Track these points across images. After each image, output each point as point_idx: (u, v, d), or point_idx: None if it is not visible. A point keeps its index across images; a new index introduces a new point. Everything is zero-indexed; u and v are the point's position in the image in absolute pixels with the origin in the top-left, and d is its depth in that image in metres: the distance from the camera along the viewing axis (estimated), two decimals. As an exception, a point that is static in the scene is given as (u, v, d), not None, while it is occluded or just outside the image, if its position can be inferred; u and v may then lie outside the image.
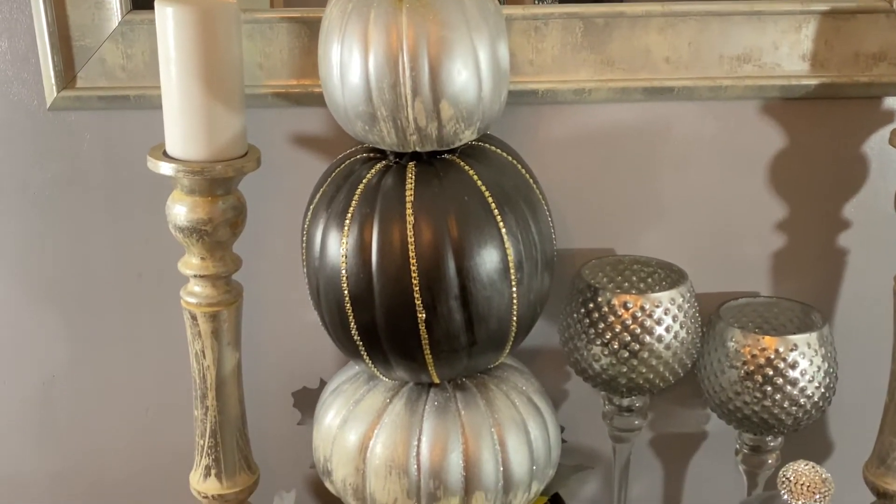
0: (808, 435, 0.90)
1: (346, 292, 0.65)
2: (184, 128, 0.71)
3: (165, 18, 0.68)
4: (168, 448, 0.89)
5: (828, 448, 0.92)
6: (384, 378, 0.72)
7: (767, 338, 0.77)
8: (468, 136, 0.65)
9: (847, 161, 0.82)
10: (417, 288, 0.63)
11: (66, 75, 0.78)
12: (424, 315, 0.64)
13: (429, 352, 0.66)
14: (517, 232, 0.66)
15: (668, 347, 0.76)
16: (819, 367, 0.77)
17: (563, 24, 0.77)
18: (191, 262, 0.76)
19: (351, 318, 0.65)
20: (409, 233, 0.63)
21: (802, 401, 0.77)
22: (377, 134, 0.63)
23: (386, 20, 0.60)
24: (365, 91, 0.61)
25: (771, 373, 0.77)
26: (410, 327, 0.64)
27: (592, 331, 0.77)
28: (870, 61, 0.78)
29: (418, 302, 0.63)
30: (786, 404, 0.77)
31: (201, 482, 0.82)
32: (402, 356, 0.66)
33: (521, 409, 0.72)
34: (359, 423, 0.71)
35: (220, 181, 0.73)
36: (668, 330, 0.76)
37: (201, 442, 0.81)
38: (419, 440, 0.69)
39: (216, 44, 0.69)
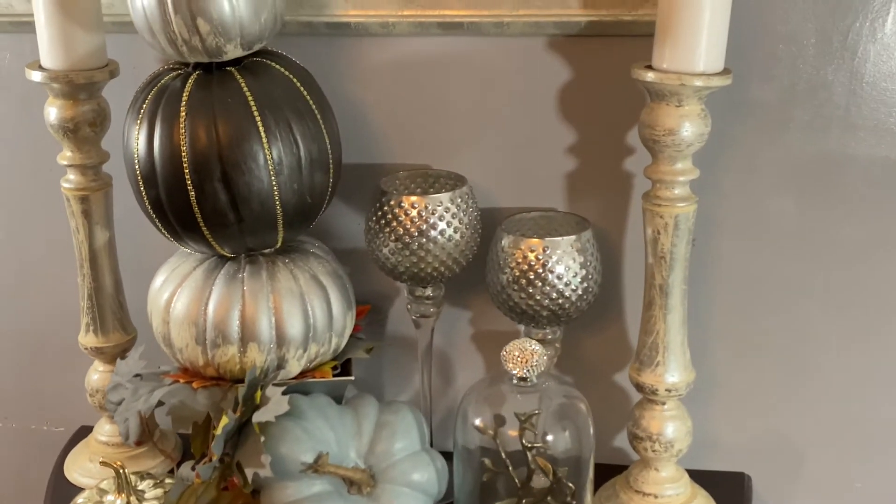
0: (600, 335, 1.02)
1: (138, 173, 0.82)
2: (47, 43, 0.90)
3: (31, -45, 0.87)
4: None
5: (627, 351, 1.03)
6: (190, 250, 0.89)
7: (532, 240, 0.90)
8: (234, 49, 0.81)
9: (624, 93, 0.93)
10: (188, 172, 0.80)
11: (-15, 3, 0.99)
12: (194, 193, 0.81)
13: (203, 225, 0.83)
14: (276, 131, 0.81)
15: (434, 243, 0.90)
16: (573, 269, 0.89)
17: (368, -35, 0.92)
18: (65, 155, 0.95)
19: (144, 195, 0.83)
20: (182, 125, 0.80)
21: (556, 295, 0.89)
22: (158, 46, 0.80)
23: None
24: (140, 10, 0.78)
25: (531, 270, 0.89)
26: (185, 203, 0.81)
27: (377, 227, 0.92)
28: (636, 1, 0.89)
29: (188, 182, 0.80)
30: (553, 296, 0.89)
31: (83, 336, 1.02)
32: (185, 228, 0.83)
33: (302, 284, 0.88)
34: (170, 284, 0.89)
35: (80, 87, 0.92)
36: (434, 228, 0.89)
37: (82, 303, 1.01)
38: (208, 300, 0.86)
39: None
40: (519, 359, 0.83)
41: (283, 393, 0.85)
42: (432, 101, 0.97)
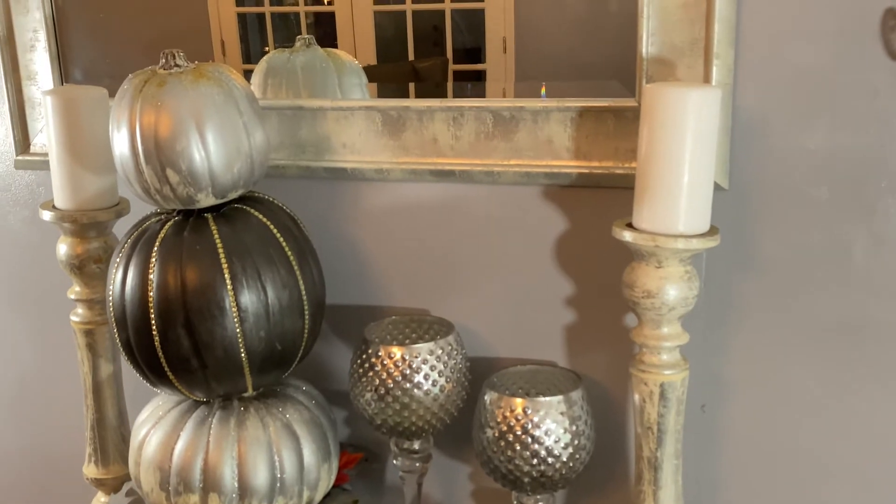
0: (607, 501, 0.94)
1: (112, 315, 0.83)
2: (59, 185, 0.94)
3: (46, 103, 0.92)
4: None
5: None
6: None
7: (514, 399, 0.85)
8: (206, 198, 0.81)
9: (621, 245, 0.87)
10: (153, 316, 0.80)
11: (23, 144, 1.05)
12: (159, 338, 0.81)
13: (168, 369, 0.82)
14: (243, 279, 0.81)
15: (411, 396, 0.86)
16: (556, 433, 0.83)
17: (365, 114, 0.92)
18: (74, 289, 0.98)
19: (117, 336, 0.84)
20: (150, 272, 0.81)
21: (537, 461, 0.83)
22: (134, 192, 0.82)
23: (129, 104, 0.79)
24: (119, 160, 0.81)
25: (510, 431, 0.84)
26: (151, 348, 0.81)
27: (357, 375, 0.89)
28: (628, 154, 0.85)
29: (154, 327, 0.81)
30: (534, 462, 0.83)
31: (86, 466, 1.03)
32: (152, 371, 0.83)
33: (272, 433, 0.86)
34: (147, 424, 0.89)
35: (88, 226, 0.95)
36: (410, 380, 0.86)
37: (87, 433, 1.03)
38: (175, 444, 0.85)
39: (79, 121, 0.92)
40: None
41: (244, 546, 0.82)
42: (430, 246, 0.95)
